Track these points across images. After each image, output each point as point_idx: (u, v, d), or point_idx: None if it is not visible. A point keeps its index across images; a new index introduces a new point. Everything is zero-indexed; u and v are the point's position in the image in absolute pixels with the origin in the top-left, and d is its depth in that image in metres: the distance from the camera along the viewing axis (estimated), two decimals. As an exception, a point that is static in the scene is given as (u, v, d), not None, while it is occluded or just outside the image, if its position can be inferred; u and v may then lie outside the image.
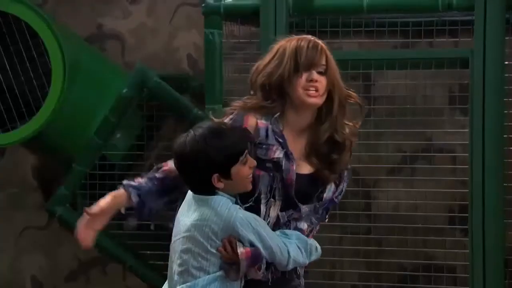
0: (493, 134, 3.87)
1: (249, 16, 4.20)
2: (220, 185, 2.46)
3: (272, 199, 2.61)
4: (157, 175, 2.71)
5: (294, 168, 2.62)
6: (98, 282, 5.13)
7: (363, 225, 4.42)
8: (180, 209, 2.60)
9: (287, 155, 2.62)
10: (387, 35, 4.29)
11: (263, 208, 2.61)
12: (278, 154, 2.61)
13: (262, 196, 2.61)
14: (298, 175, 2.63)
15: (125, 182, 2.71)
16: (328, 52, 2.65)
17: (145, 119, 4.65)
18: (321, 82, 2.62)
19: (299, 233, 2.62)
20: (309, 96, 2.62)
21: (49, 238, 5.16)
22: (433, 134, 4.50)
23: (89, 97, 4.62)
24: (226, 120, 2.66)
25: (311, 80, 2.61)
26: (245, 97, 2.71)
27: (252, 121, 2.64)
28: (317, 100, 2.63)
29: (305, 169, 2.66)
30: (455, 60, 4.02)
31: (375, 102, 4.50)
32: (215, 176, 2.45)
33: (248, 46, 4.45)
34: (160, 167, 2.73)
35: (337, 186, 2.71)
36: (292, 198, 2.62)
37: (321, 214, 2.71)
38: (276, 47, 2.68)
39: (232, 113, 2.68)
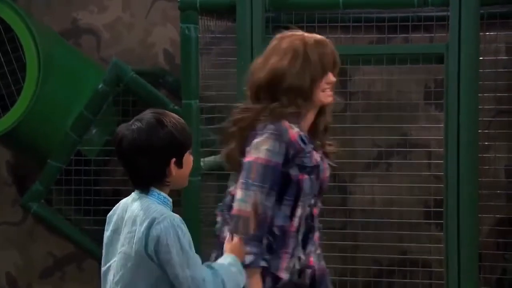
0: (468, 129, 3.88)
1: (225, 11, 4.19)
2: (174, 172, 2.40)
3: (312, 199, 2.77)
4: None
5: (327, 166, 2.79)
6: (73, 278, 5.10)
7: (339, 220, 4.43)
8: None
9: (321, 157, 2.79)
10: (363, 30, 4.30)
11: (301, 209, 2.74)
12: (318, 158, 2.76)
13: (305, 198, 2.74)
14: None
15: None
16: None
17: (121, 115, 4.63)
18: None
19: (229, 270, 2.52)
20: (328, 96, 2.79)
21: (24, 234, 5.13)
22: (408, 129, 4.53)
23: (64, 93, 4.59)
24: (267, 135, 2.69)
25: (330, 82, 2.77)
26: (260, 105, 2.74)
27: (294, 133, 2.72)
28: (333, 98, 2.81)
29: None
30: (430, 56, 4.04)
31: (352, 97, 4.51)
32: (173, 160, 2.39)
33: (225, 41, 4.44)
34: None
35: None
36: (321, 193, 2.81)
37: None
38: (287, 47, 2.73)
39: (256, 123, 2.72)
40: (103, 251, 2.50)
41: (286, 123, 2.72)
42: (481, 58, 3.99)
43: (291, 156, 2.69)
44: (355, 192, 4.58)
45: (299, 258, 2.76)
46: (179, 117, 2.45)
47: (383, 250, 4.37)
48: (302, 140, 2.72)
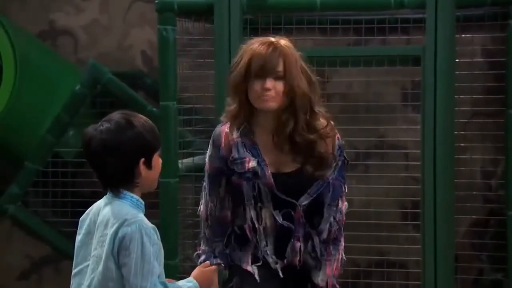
0: (444, 131, 3.91)
1: (203, 12, 4.19)
2: (143, 172, 2.38)
3: (259, 203, 2.72)
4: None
5: (269, 172, 2.70)
6: (51, 280, 5.07)
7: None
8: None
9: (259, 163, 2.70)
10: (340, 32, 4.31)
11: (253, 212, 2.72)
12: (252, 163, 2.69)
13: (248, 202, 2.73)
14: (280, 174, 2.71)
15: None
16: (288, 55, 2.66)
17: (99, 117, 4.61)
18: (277, 88, 2.65)
19: None
20: (263, 101, 2.66)
21: (1, 236, 5.09)
22: (386, 131, 4.55)
23: (40, 94, 4.57)
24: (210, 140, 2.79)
25: (264, 89, 2.65)
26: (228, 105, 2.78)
27: (226, 140, 2.74)
28: (272, 104, 2.66)
29: (288, 167, 2.73)
30: (407, 58, 4.06)
31: (329, 99, 4.52)
32: (142, 160, 2.37)
33: (202, 42, 4.44)
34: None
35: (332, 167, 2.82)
36: (280, 197, 2.70)
37: (330, 203, 2.88)
38: (241, 49, 2.73)
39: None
40: (74, 254, 2.50)
41: (224, 127, 2.76)
42: (457, 60, 4.02)
43: (228, 160, 2.74)
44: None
45: (262, 257, 2.77)
46: (147, 119, 2.44)
47: (360, 251, 4.38)
48: (237, 148, 2.72)
